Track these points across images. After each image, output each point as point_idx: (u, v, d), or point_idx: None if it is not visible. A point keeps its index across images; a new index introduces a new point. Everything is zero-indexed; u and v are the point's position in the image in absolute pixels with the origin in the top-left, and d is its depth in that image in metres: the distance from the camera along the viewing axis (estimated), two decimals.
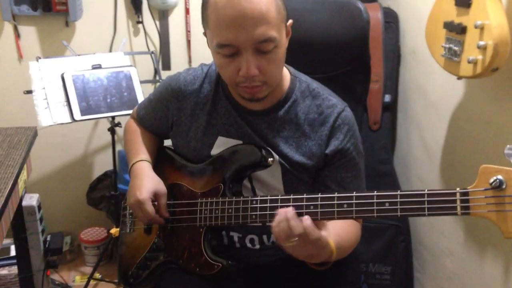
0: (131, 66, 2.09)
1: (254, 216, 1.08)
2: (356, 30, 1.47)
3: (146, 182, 1.23)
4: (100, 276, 2.38)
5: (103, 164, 2.52)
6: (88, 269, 2.48)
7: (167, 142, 1.42)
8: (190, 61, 2.47)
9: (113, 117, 2.04)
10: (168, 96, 1.28)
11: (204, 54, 2.46)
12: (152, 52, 2.24)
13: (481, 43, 1.26)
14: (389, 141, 2.12)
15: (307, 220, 0.96)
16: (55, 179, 2.53)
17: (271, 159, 1.14)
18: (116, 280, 2.36)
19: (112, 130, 2.08)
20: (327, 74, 1.49)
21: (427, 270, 2.03)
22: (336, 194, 0.96)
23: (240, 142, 1.21)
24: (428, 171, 1.93)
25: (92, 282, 2.31)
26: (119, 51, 2.16)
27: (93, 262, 2.48)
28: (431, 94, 1.88)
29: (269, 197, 1.07)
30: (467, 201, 0.78)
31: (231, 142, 1.22)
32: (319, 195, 0.98)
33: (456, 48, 1.38)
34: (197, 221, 1.20)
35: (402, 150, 2.15)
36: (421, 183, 2.01)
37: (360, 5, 1.47)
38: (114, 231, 2.23)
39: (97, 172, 2.54)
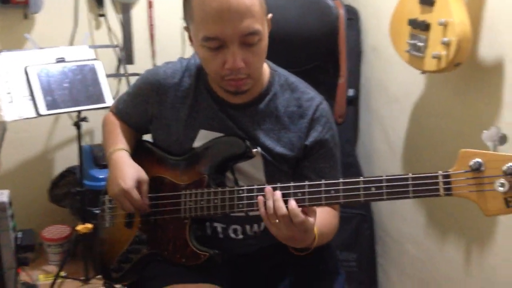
0: (96, 59, 2.06)
1: (241, 205, 1.12)
2: (326, 26, 1.54)
3: (128, 171, 1.24)
4: (65, 274, 2.33)
5: (66, 160, 2.47)
6: (50, 268, 2.43)
7: (146, 137, 1.43)
8: (153, 55, 2.47)
9: (79, 112, 2.01)
10: (147, 90, 1.29)
11: (167, 48, 2.47)
12: (117, 46, 2.22)
13: (445, 39, 1.35)
14: (353, 134, 2.21)
15: (292, 204, 1.01)
16: (16, 175, 2.45)
17: (255, 150, 1.18)
18: (82, 277, 2.33)
19: (77, 125, 2.04)
20: (298, 69, 1.54)
21: (390, 256, 2.13)
22: (323, 181, 1.01)
23: (222, 134, 1.24)
24: (391, 163, 2.03)
25: (57, 281, 2.26)
26: (83, 44, 2.12)
27: (56, 261, 2.44)
28: (393, 89, 1.98)
29: (255, 187, 1.10)
30: (449, 183, 0.85)
31: (213, 135, 1.24)
32: (306, 183, 1.03)
33: (420, 44, 1.46)
34: (181, 213, 1.22)
35: (365, 143, 2.24)
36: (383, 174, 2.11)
37: (330, 2, 1.53)
38: (81, 227, 2.21)
39: (59, 168, 2.49)
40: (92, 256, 2.35)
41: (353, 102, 2.20)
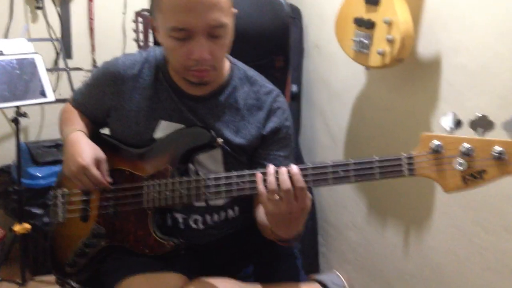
0: (35, 53, 1.98)
1: (208, 194, 1.14)
2: (279, 23, 1.59)
3: (85, 148, 1.22)
4: None
5: None
6: None
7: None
8: (93, 50, 2.41)
9: (17, 107, 1.92)
10: (106, 81, 1.28)
11: (107, 43, 2.43)
12: (57, 39, 2.14)
13: (389, 36, 1.45)
14: (295, 128, 2.29)
15: (295, 168, 1.02)
16: None
17: (221, 139, 1.20)
18: (19, 281, 2.23)
19: (16, 121, 1.96)
20: (250, 64, 1.59)
21: (332, 244, 2.23)
22: (293, 166, 1.05)
23: (182, 126, 1.25)
24: (333, 154, 2.13)
25: None
26: (19, 37, 2.03)
27: None
28: (335, 84, 2.08)
29: (223, 174, 1.13)
30: (412, 164, 0.93)
31: (173, 126, 1.25)
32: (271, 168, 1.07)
33: (365, 41, 1.56)
34: (144, 204, 1.22)
35: (307, 136, 2.33)
36: None
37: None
38: (18, 228, 2.11)
39: None
40: (30, 258, 2.27)
41: (295, 98, 2.28)
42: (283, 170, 1.03)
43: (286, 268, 1.35)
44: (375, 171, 0.97)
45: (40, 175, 2.17)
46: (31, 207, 2.18)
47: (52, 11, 2.26)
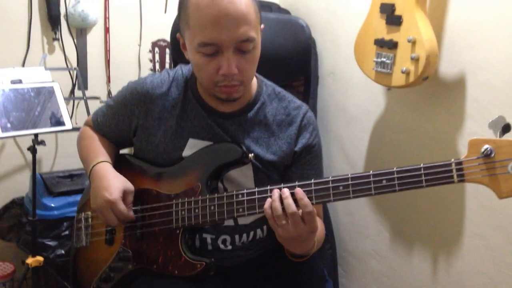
0: (54, 81, 1.99)
1: (241, 209, 1.11)
2: (299, 46, 1.61)
3: (113, 181, 1.20)
4: None
5: (10, 191, 2.31)
6: None
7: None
8: (109, 81, 2.41)
9: (35, 135, 1.91)
10: (134, 100, 1.27)
11: (124, 74, 2.43)
12: (75, 68, 2.16)
13: (414, 55, 1.45)
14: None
15: (300, 193, 1.02)
16: None
17: (251, 154, 1.18)
18: None
19: (33, 149, 1.94)
20: None
21: (353, 275, 2.16)
22: (330, 178, 1.03)
23: (211, 143, 1.24)
24: None
25: None
26: (39, 66, 2.04)
27: None
28: (352, 109, 2.07)
29: (256, 189, 1.10)
30: (461, 169, 0.90)
31: (202, 144, 1.24)
32: (312, 181, 1.05)
33: (388, 61, 1.56)
34: (173, 223, 1.19)
35: (324, 164, 2.30)
36: None
37: (302, 22, 1.61)
38: (31, 260, 2.05)
39: (3, 200, 2.32)
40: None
41: None
42: (286, 193, 1.03)
43: None
44: (421, 178, 0.94)
45: (54, 206, 2.13)
46: (44, 239, 2.12)
47: (69, 42, 2.28)
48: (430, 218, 1.70)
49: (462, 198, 1.55)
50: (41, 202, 2.12)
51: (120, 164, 1.32)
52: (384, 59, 1.57)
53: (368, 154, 1.99)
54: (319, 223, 1.27)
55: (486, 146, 0.88)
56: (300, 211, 1.02)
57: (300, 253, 1.14)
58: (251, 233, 1.28)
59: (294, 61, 1.60)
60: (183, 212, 1.18)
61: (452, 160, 0.91)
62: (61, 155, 2.40)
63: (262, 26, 1.20)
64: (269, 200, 1.05)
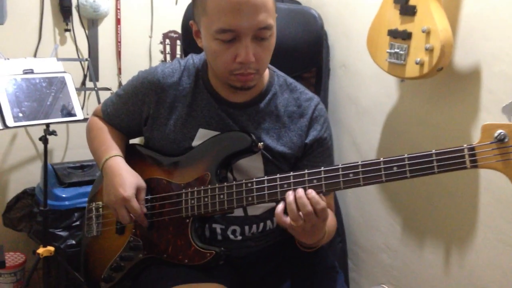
0: (65, 72, 1.99)
1: (250, 198, 1.10)
2: (311, 35, 1.58)
3: (128, 178, 1.19)
4: None
5: (21, 181, 2.33)
6: None
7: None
8: (120, 73, 2.41)
9: (47, 125, 1.91)
10: (145, 90, 1.26)
11: (135, 66, 2.43)
12: (87, 59, 2.16)
13: (428, 45, 1.43)
14: None
15: (311, 192, 1.01)
16: None
17: (261, 143, 1.17)
18: None
19: (45, 139, 1.94)
20: None
21: (363, 269, 2.15)
22: (340, 165, 1.01)
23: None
24: None
25: None
26: (51, 56, 2.05)
27: None
28: (364, 101, 2.05)
29: (266, 178, 1.09)
30: (474, 155, 0.88)
31: (212, 134, 1.23)
32: (322, 168, 1.03)
33: (402, 52, 1.54)
34: (182, 212, 1.18)
35: (334, 156, 2.28)
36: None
37: (314, 12, 1.59)
38: (42, 250, 2.06)
39: (14, 190, 2.33)
40: (53, 282, 2.21)
41: None
42: (300, 193, 1.02)
43: (327, 283, 1.28)
44: (433, 164, 0.92)
45: (65, 196, 2.14)
46: (55, 229, 2.14)
47: (80, 33, 2.29)
48: (443, 211, 1.68)
49: (476, 191, 1.52)
50: (52, 193, 2.13)
51: (130, 154, 1.32)
52: (397, 50, 1.55)
53: (380, 147, 1.97)
54: (330, 215, 1.26)
55: (499, 131, 0.86)
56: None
57: (311, 243, 1.13)
58: (261, 224, 1.27)
59: (305, 52, 1.58)
60: (192, 201, 1.17)
61: (465, 145, 0.89)
62: (72, 146, 2.41)
63: (276, 14, 1.18)
64: (281, 203, 1.04)
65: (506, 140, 0.85)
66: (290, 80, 1.30)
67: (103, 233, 1.31)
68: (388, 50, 1.59)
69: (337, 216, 2.23)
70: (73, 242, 2.13)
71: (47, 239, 2.08)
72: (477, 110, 1.49)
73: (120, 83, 2.42)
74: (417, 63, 1.47)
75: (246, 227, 1.26)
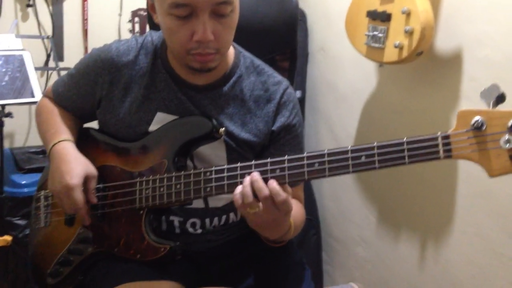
0: (24, 50, 1.86)
1: (209, 189, 1.00)
2: (285, 14, 1.48)
3: (75, 165, 1.08)
4: None
5: None
6: None
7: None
8: (86, 52, 2.28)
9: (3, 106, 1.79)
10: (98, 69, 1.15)
11: (101, 44, 2.30)
12: (48, 37, 2.02)
13: (408, 28, 1.34)
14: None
15: (272, 183, 0.92)
16: None
17: (223, 129, 1.07)
18: None
19: (0, 122, 1.81)
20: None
21: (336, 262, 2.08)
22: (305, 154, 0.92)
23: None
24: None
25: None
26: (9, 33, 1.91)
27: None
28: (342, 88, 1.96)
29: (226, 166, 0.99)
30: (448, 143, 0.79)
31: (171, 118, 1.12)
32: (286, 157, 0.94)
33: (380, 35, 1.45)
34: (136, 203, 1.08)
35: (311, 144, 2.20)
36: None
37: None
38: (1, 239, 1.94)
39: None
40: (10, 273, 2.09)
41: (300, 104, 2.16)
42: (256, 177, 0.92)
43: (292, 280, 1.20)
44: (404, 154, 0.83)
45: (23, 183, 2.01)
46: (13, 217, 2.01)
47: (43, 9, 2.15)
48: (419, 204, 1.61)
49: (454, 183, 1.45)
50: (9, 179, 2.00)
51: (82, 139, 1.21)
52: (376, 33, 1.46)
53: (358, 135, 1.89)
54: (298, 206, 1.17)
55: (476, 117, 0.77)
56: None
57: (274, 238, 1.04)
58: (223, 217, 1.18)
59: (278, 32, 1.47)
60: (147, 191, 1.07)
61: (439, 133, 0.80)
62: (35, 129, 2.27)
63: None
64: (239, 187, 0.94)
65: (483, 128, 0.77)
66: (257, 61, 1.20)
67: (51, 224, 1.21)
68: (367, 33, 1.50)
69: (312, 207, 2.17)
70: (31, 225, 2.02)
71: (4, 228, 1.96)
72: (457, 98, 1.41)
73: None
74: (396, 47, 1.38)
75: (207, 220, 1.16)
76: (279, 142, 1.17)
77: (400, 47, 1.37)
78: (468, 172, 1.40)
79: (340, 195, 2.01)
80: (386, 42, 1.43)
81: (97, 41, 2.27)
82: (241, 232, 1.22)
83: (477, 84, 1.35)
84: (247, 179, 0.93)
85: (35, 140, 2.26)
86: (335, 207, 2.06)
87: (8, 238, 1.96)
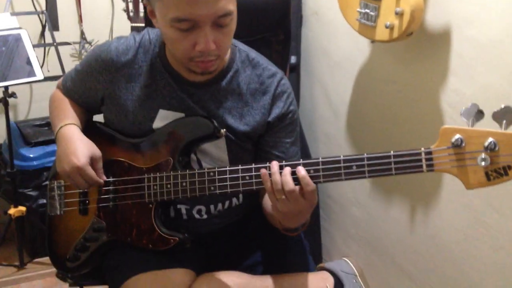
0: (20, 28, 1.87)
1: (213, 188, 1.08)
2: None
3: (80, 146, 1.16)
4: None
5: None
6: None
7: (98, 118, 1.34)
8: (80, 21, 2.28)
9: (6, 87, 1.83)
10: (99, 68, 1.20)
11: (95, 13, 2.30)
12: (43, 12, 2.03)
13: (398, 9, 1.36)
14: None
15: (301, 170, 0.98)
16: None
17: (224, 130, 1.14)
18: (17, 263, 2.19)
19: (5, 101, 1.87)
20: (247, 39, 1.50)
21: (333, 219, 2.20)
22: (301, 161, 1.00)
23: (182, 114, 1.19)
24: (334, 127, 2.07)
25: None
26: (3, 11, 1.92)
27: None
28: (335, 54, 1.99)
29: (228, 168, 1.07)
30: (431, 159, 0.87)
31: (173, 115, 1.19)
32: (283, 163, 1.01)
33: (372, 13, 1.47)
34: (145, 197, 1.17)
35: (307, 108, 2.26)
36: (326, 138, 2.15)
37: None
38: (14, 211, 2.06)
39: None
40: (27, 240, 2.23)
41: (294, 69, 2.20)
42: (286, 171, 0.99)
43: (294, 254, 1.31)
44: (391, 166, 0.91)
45: (32, 156, 2.10)
46: (25, 189, 2.12)
47: None
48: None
49: None
50: (19, 153, 2.09)
51: (90, 132, 1.27)
52: (368, 11, 1.48)
53: (352, 102, 1.94)
54: None
55: (457, 136, 0.85)
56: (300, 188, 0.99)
57: (295, 226, 1.12)
58: (227, 202, 1.27)
59: (272, 12, 1.50)
60: (155, 187, 1.15)
61: (422, 149, 0.88)
62: (37, 99, 2.33)
63: None
64: (265, 172, 1.00)
65: (462, 145, 0.84)
66: (252, 54, 1.24)
67: (66, 213, 1.30)
68: (359, 9, 1.52)
69: None
70: (44, 201, 2.13)
71: (18, 200, 2.07)
72: (446, 74, 1.46)
73: (82, 32, 2.30)
74: (387, 27, 1.41)
75: (212, 206, 1.26)
76: (273, 129, 1.23)
77: (391, 28, 1.40)
78: None
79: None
80: (377, 21, 1.46)
81: (90, 9, 2.28)
82: (244, 212, 1.32)
83: (464, 62, 1.39)
84: (275, 167, 0.99)
85: (37, 112, 2.31)
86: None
87: (23, 208, 2.08)
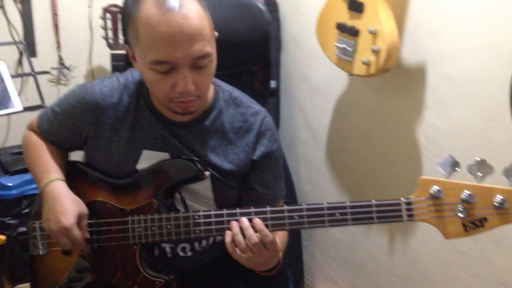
0: None
1: (198, 231, 1.10)
2: (258, 31, 1.52)
3: (69, 205, 1.16)
4: None
5: None
6: None
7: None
8: (58, 47, 2.27)
9: None
10: (83, 110, 1.20)
11: (73, 39, 2.29)
12: (21, 42, 2.01)
13: (375, 47, 1.41)
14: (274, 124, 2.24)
15: (259, 223, 1.03)
16: None
17: (207, 172, 1.16)
18: None
19: None
20: (227, 71, 1.52)
21: (315, 239, 2.24)
22: (285, 207, 1.03)
23: (166, 154, 1.20)
24: (314, 150, 2.11)
25: None
26: None
27: None
28: (315, 81, 2.03)
29: (213, 212, 1.09)
30: (411, 209, 0.92)
31: (157, 155, 1.20)
32: (268, 208, 1.04)
33: (349, 48, 1.51)
34: (129, 239, 1.17)
35: (287, 132, 2.30)
36: (306, 160, 2.19)
37: (261, 6, 1.51)
38: None
39: None
40: (8, 267, 2.20)
41: (274, 93, 2.23)
42: (245, 224, 1.03)
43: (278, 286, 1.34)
44: (372, 214, 0.95)
45: (11, 185, 2.08)
46: (5, 218, 2.09)
47: (12, 9, 2.11)
48: (390, 197, 1.74)
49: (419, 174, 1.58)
50: None
51: (71, 173, 1.27)
52: (345, 46, 1.52)
53: (331, 127, 1.99)
54: (283, 236, 1.26)
55: (435, 187, 0.89)
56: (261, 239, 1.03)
57: (267, 268, 1.14)
58: (211, 239, 1.29)
59: (252, 46, 1.53)
60: (139, 229, 1.16)
61: (402, 199, 0.92)
62: (14, 126, 2.30)
63: (216, 34, 1.13)
64: (229, 233, 1.04)
65: (441, 196, 0.88)
66: (235, 94, 1.26)
67: (49, 252, 1.29)
68: (337, 44, 1.56)
69: (291, 190, 2.29)
70: (24, 229, 2.11)
71: None
72: (422, 108, 1.51)
73: (60, 58, 2.29)
74: (364, 63, 1.46)
75: (196, 243, 1.27)
76: (259, 169, 1.26)
77: (368, 64, 1.45)
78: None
79: (316, 180, 2.14)
80: (355, 56, 1.50)
81: (68, 35, 2.27)
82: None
83: (439, 97, 1.45)
84: (235, 227, 1.03)
85: (13, 140, 2.29)
86: (311, 191, 2.19)
87: (2, 237, 2.04)
